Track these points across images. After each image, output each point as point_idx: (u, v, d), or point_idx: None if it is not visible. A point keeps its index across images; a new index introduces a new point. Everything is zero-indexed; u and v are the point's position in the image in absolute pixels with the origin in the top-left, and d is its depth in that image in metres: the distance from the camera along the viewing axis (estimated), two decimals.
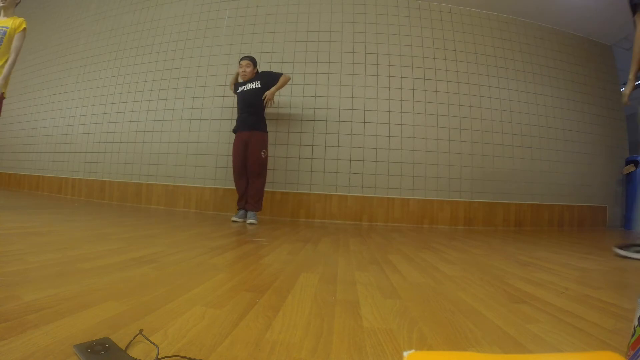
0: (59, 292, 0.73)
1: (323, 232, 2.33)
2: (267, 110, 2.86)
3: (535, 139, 3.72)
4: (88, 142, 4.10)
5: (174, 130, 3.68)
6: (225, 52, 3.67)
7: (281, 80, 2.76)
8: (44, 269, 0.89)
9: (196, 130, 3.61)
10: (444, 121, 3.50)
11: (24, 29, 2.38)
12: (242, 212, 2.77)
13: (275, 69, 3.54)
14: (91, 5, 4.53)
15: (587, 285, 1.09)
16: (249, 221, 2.62)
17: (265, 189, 2.89)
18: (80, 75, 4.32)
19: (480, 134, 3.55)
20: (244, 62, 2.75)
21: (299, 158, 3.42)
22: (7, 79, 2.30)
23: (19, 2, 2.48)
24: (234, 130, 2.82)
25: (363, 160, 3.39)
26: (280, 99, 3.48)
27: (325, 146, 3.41)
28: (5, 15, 2.39)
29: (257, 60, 3.57)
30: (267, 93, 2.70)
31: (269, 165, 3.25)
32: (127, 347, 0.49)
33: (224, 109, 3.56)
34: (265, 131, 2.79)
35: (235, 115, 2.93)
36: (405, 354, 0.45)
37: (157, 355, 0.47)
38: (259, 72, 2.85)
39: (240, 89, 2.80)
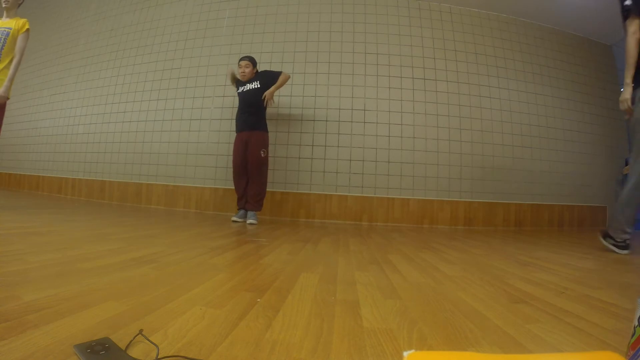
0: (59, 292, 0.73)
1: (323, 232, 2.33)
2: (268, 110, 2.86)
3: (535, 139, 3.72)
4: (88, 142, 4.10)
5: (174, 130, 3.68)
6: (225, 52, 3.67)
7: (280, 79, 2.75)
8: (44, 269, 0.89)
9: (196, 130, 3.61)
10: (444, 121, 3.50)
11: (27, 29, 2.39)
12: (242, 212, 2.77)
13: (275, 68, 3.54)
14: (91, 5, 4.53)
15: (587, 285, 1.09)
16: (249, 221, 2.62)
17: (265, 190, 2.89)
18: (80, 75, 4.32)
19: (480, 134, 3.55)
20: (243, 63, 2.75)
21: (299, 158, 3.42)
22: (12, 80, 2.31)
23: (21, 3, 2.48)
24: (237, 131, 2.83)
25: (363, 160, 3.39)
26: (280, 99, 3.48)
27: (325, 146, 3.41)
28: (8, 16, 2.40)
29: (257, 60, 3.58)
30: (267, 93, 2.70)
31: (269, 166, 3.25)
32: (127, 347, 0.49)
33: (224, 109, 3.56)
34: (266, 131, 2.78)
35: (235, 115, 2.93)
36: (405, 354, 0.45)
37: (157, 355, 0.47)
38: (259, 71, 2.85)
39: (240, 89, 2.80)
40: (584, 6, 3.66)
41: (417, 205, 3.38)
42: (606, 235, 1.97)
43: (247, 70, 2.74)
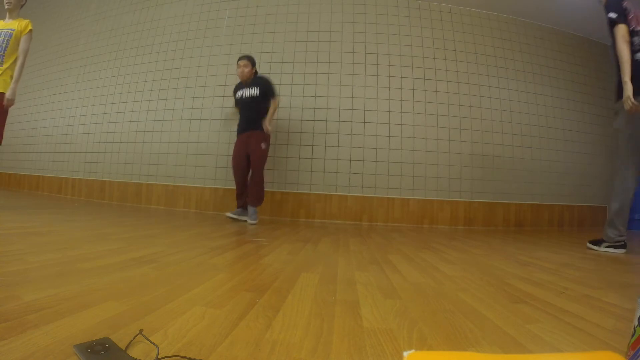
0: (59, 292, 0.73)
1: (323, 232, 2.33)
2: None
3: (535, 139, 3.72)
4: (88, 142, 4.10)
5: (174, 130, 3.68)
6: (225, 52, 3.67)
7: (273, 106, 2.75)
8: (44, 269, 0.89)
9: (196, 130, 3.61)
10: (444, 121, 3.50)
11: (30, 30, 2.39)
12: (239, 210, 2.78)
13: (275, 69, 3.55)
14: (91, 5, 4.53)
15: (587, 285, 1.09)
16: (249, 221, 2.62)
17: (265, 189, 2.89)
18: (80, 75, 4.32)
19: (480, 134, 3.55)
20: (242, 62, 2.75)
21: (299, 158, 3.42)
22: (18, 82, 2.32)
23: (23, 4, 2.48)
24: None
25: (363, 160, 3.39)
26: (280, 99, 3.48)
27: (325, 146, 3.41)
28: (11, 17, 2.40)
29: (257, 60, 3.58)
30: (266, 127, 2.70)
31: (269, 166, 3.26)
32: (127, 347, 0.49)
33: (224, 109, 3.56)
34: (263, 130, 2.78)
35: (235, 116, 2.94)
36: (405, 354, 0.45)
37: (157, 355, 0.47)
38: (257, 75, 2.84)
39: (240, 94, 2.81)
40: (584, 6, 3.65)
41: (417, 205, 3.38)
42: (598, 242, 2.04)
43: (246, 69, 2.74)
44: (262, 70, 3.53)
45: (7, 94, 2.26)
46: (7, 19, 2.39)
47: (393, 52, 3.56)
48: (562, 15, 3.87)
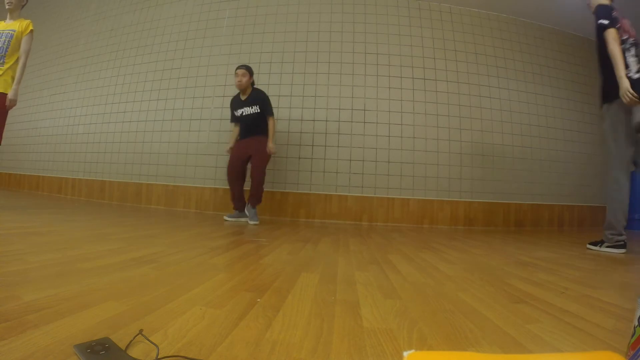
0: (59, 292, 0.73)
1: (323, 232, 2.33)
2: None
3: (535, 139, 3.72)
4: (88, 142, 4.10)
5: (174, 130, 3.68)
6: (225, 52, 3.67)
7: (272, 128, 2.76)
8: (44, 269, 0.89)
9: (196, 130, 3.61)
10: (444, 121, 3.50)
11: (31, 31, 2.39)
12: (236, 212, 2.79)
13: (275, 69, 3.55)
14: (91, 5, 4.53)
15: (587, 285, 1.09)
16: (251, 222, 2.63)
17: (265, 189, 2.89)
18: (80, 75, 4.32)
19: (480, 134, 3.55)
20: (240, 72, 2.74)
21: (299, 158, 3.42)
22: (20, 82, 2.32)
23: (24, 5, 2.48)
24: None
25: (363, 160, 3.39)
26: (280, 98, 3.49)
27: (325, 146, 3.41)
28: (12, 17, 2.40)
29: (258, 60, 3.58)
30: (270, 150, 2.73)
31: (269, 165, 3.26)
32: (127, 347, 0.49)
33: (224, 109, 3.56)
34: (267, 135, 2.79)
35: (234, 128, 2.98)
36: (405, 354, 0.45)
37: (157, 355, 0.47)
38: (255, 86, 2.84)
39: (239, 112, 2.81)
40: (584, 6, 3.65)
41: (417, 205, 3.38)
42: (597, 243, 2.06)
43: (244, 79, 2.74)
44: (262, 70, 3.54)
45: (10, 95, 2.26)
46: (8, 20, 2.39)
47: (393, 52, 3.56)
48: (562, 15, 3.87)
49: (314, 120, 3.45)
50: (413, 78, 3.53)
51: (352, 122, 3.43)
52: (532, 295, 0.94)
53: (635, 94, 1.85)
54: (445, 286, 1.00)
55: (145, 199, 3.69)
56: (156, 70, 3.85)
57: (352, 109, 3.45)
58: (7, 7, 2.37)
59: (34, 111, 4.68)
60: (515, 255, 1.68)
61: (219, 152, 3.53)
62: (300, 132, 3.44)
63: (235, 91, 3.04)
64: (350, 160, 3.39)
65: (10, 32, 2.33)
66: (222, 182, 3.48)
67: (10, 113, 4.89)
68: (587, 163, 3.92)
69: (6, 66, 2.30)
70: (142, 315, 0.63)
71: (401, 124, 3.44)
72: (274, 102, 3.42)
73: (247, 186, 2.97)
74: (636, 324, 0.45)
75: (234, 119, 2.89)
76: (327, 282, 0.97)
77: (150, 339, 0.52)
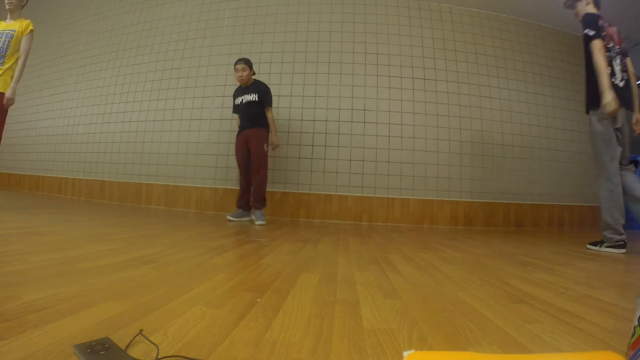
0: (59, 292, 0.73)
1: (323, 232, 2.33)
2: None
3: (535, 139, 3.72)
4: (88, 142, 4.10)
5: (174, 130, 3.68)
6: (225, 52, 3.67)
7: (272, 123, 2.79)
8: (44, 269, 0.89)
9: (196, 130, 3.61)
10: (444, 121, 3.50)
11: (31, 30, 2.39)
12: (239, 211, 2.78)
13: (275, 69, 3.55)
14: (91, 5, 4.53)
15: (587, 285, 1.09)
16: (257, 222, 2.63)
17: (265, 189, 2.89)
18: (80, 75, 4.32)
19: (480, 134, 3.55)
20: (240, 66, 2.74)
21: (299, 158, 3.42)
22: (18, 81, 2.32)
23: (24, 4, 2.48)
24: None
25: (363, 160, 3.39)
26: (280, 98, 3.48)
27: (325, 146, 3.41)
28: (12, 17, 2.40)
29: (258, 60, 3.58)
30: (274, 144, 2.78)
31: (269, 165, 3.25)
32: (127, 347, 0.49)
33: (224, 109, 3.56)
34: (265, 128, 2.79)
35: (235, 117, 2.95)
36: (405, 354, 0.45)
37: (157, 355, 0.47)
38: (256, 80, 2.84)
39: (239, 99, 2.81)
40: None
41: (417, 205, 3.38)
42: (598, 243, 2.07)
43: (245, 73, 2.74)
44: (262, 69, 3.54)
45: (7, 94, 2.26)
46: (8, 20, 2.39)
47: (393, 52, 3.56)
48: (562, 15, 3.86)
49: (314, 120, 3.45)
50: (413, 78, 3.53)
51: (352, 122, 3.43)
52: (532, 295, 0.94)
53: (618, 106, 1.94)
54: (445, 286, 1.00)
55: (145, 199, 3.69)
56: (156, 70, 3.85)
57: (352, 109, 3.45)
58: (7, 7, 2.37)
59: (34, 111, 4.68)
60: (515, 255, 1.68)
61: (219, 152, 3.53)
62: (300, 132, 3.44)
63: (237, 85, 3.03)
64: (350, 160, 3.39)
65: (11, 32, 2.33)
66: (222, 182, 3.48)
67: (11, 113, 4.89)
68: (587, 163, 3.92)
69: (6, 66, 2.30)
70: (142, 315, 0.63)
71: (401, 124, 3.44)
72: (274, 102, 3.42)
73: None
74: (636, 324, 0.45)
75: (235, 108, 2.89)
76: (327, 282, 0.97)
77: (150, 339, 0.52)
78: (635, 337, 0.45)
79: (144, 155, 3.76)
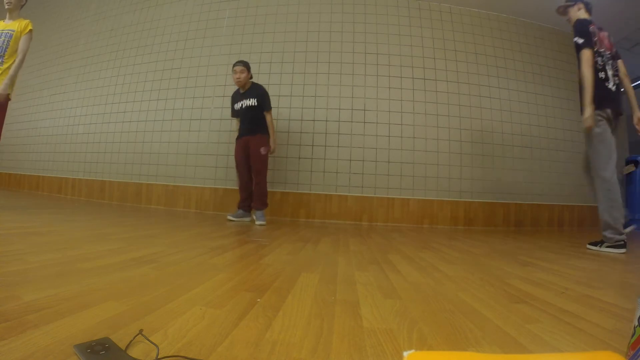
0: (59, 292, 0.73)
1: (323, 232, 2.33)
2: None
3: (535, 138, 3.72)
4: (88, 142, 4.10)
5: (174, 130, 3.68)
6: (225, 52, 3.67)
7: (271, 128, 2.80)
8: (44, 269, 0.89)
9: (196, 130, 3.61)
10: (444, 121, 3.50)
11: (30, 30, 2.39)
12: (240, 211, 2.78)
13: (275, 69, 3.55)
14: (91, 5, 4.53)
15: (587, 285, 1.09)
16: (257, 222, 2.63)
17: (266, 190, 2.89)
18: (80, 75, 4.32)
19: (480, 134, 3.55)
20: (238, 68, 2.74)
21: (299, 158, 3.42)
22: (13, 79, 2.30)
23: (24, 4, 2.48)
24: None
25: (363, 160, 3.39)
26: (280, 98, 3.48)
27: (325, 146, 3.41)
28: (11, 17, 2.40)
29: (258, 60, 3.58)
30: (271, 149, 2.79)
31: (269, 166, 3.25)
32: (127, 347, 0.49)
33: (224, 109, 3.56)
34: (265, 134, 2.79)
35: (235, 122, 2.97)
36: (405, 354, 0.45)
37: (157, 355, 0.47)
38: (253, 84, 2.83)
39: (239, 105, 2.81)
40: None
41: (417, 205, 3.38)
42: (597, 243, 2.08)
43: (243, 75, 2.73)
44: (262, 70, 3.54)
45: (0, 89, 2.24)
46: (7, 20, 2.39)
47: (393, 52, 3.56)
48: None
49: (314, 120, 3.45)
50: (413, 78, 3.53)
51: (352, 122, 3.43)
52: (532, 295, 0.94)
53: (592, 125, 2.02)
54: (445, 286, 1.00)
55: (145, 199, 3.69)
56: (156, 70, 3.85)
57: (352, 109, 3.45)
58: (6, 7, 2.37)
59: (34, 111, 4.68)
60: (515, 255, 1.68)
61: (219, 152, 3.53)
62: (300, 132, 3.44)
63: (235, 87, 3.03)
64: (350, 160, 3.39)
65: (10, 32, 2.32)
66: (222, 182, 3.48)
67: (11, 113, 4.88)
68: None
69: (5, 66, 2.29)
70: (142, 315, 0.63)
71: (401, 124, 3.44)
72: (274, 102, 3.42)
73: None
74: (636, 324, 0.45)
75: (234, 113, 2.89)
76: (327, 282, 0.97)
77: (150, 339, 0.52)
78: (635, 337, 0.45)
79: (144, 155, 3.76)
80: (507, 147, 3.62)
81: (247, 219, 2.81)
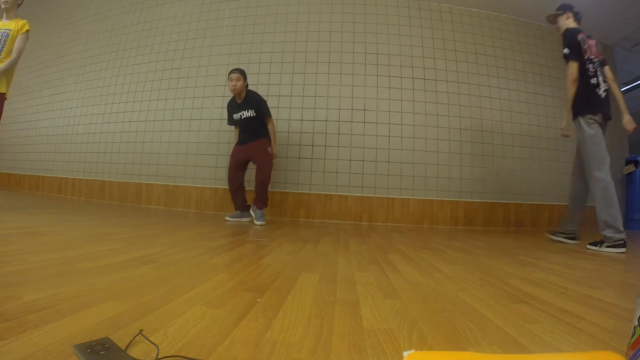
0: (59, 292, 0.73)
1: (323, 232, 2.33)
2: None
3: (535, 139, 3.72)
4: (88, 142, 4.10)
5: (174, 130, 3.68)
6: (225, 52, 3.67)
7: (272, 133, 2.79)
8: (44, 269, 0.89)
9: (196, 130, 3.61)
10: (444, 121, 3.50)
11: (27, 30, 2.39)
12: (237, 212, 2.79)
13: (275, 69, 3.55)
14: (91, 5, 4.53)
15: (587, 285, 1.09)
16: (257, 222, 2.63)
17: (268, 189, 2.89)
18: (80, 75, 4.32)
19: (480, 134, 3.55)
20: (234, 76, 2.71)
21: (299, 158, 3.42)
22: (4, 73, 2.28)
23: (20, 3, 2.48)
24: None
25: (363, 160, 3.39)
26: (280, 98, 3.49)
27: (325, 146, 3.41)
28: (8, 17, 2.39)
29: (258, 60, 3.58)
30: (272, 150, 2.77)
31: None
32: (127, 347, 0.49)
33: (224, 109, 3.55)
34: (268, 138, 2.78)
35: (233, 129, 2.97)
36: (405, 354, 0.45)
37: (157, 355, 0.47)
38: (249, 91, 2.79)
39: (238, 115, 2.79)
40: (584, 6, 3.65)
41: (417, 205, 3.38)
42: (597, 242, 2.10)
43: (239, 83, 2.70)
44: (262, 70, 3.54)
45: None
46: (4, 20, 2.39)
47: (393, 52, 3.56)
48: None
49: (314, 120, 3.45)
50: (413, 78, 3.53)
51: (352, 122, 3.43)
52: (532, 295, 0.94)
53: (566, 134, 2.22)
54: (445, 286, 1.00)
55: (145, 199, 3.69)
56: (156, 70, 3.85)
57: (352, 109, 3.45)
58: (2, 6, 2.37)
59: (34, 111, 4.68)
60: (515, 255, 1.68)
61: (219, 152, 3.53)
62: (300, 132, 3.44)
63: (231, 94, 3.02)
64: (350, 160, 3.39)
65: (6, 31, 2.32)
66: (222, 182, 3.48)
67: (10, 113, 4.88)
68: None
69: (0, 65, 2.29)
70: (142, 315, 0.63)
71: (401, 124, 3.44)
72: (274, 102, 3.43)
73: (249, 186, 2.98)
74: (636, 324, 0.45)
75: (232, 122, 2.88)
76: (327, 282, 0.97)
77: (150, 339, 0.52)
78: (635, 337, 0.45)
79: (144, 155, 3.76)
80: (507, 147, 3.62)
81: (246, 219, 2.81)
